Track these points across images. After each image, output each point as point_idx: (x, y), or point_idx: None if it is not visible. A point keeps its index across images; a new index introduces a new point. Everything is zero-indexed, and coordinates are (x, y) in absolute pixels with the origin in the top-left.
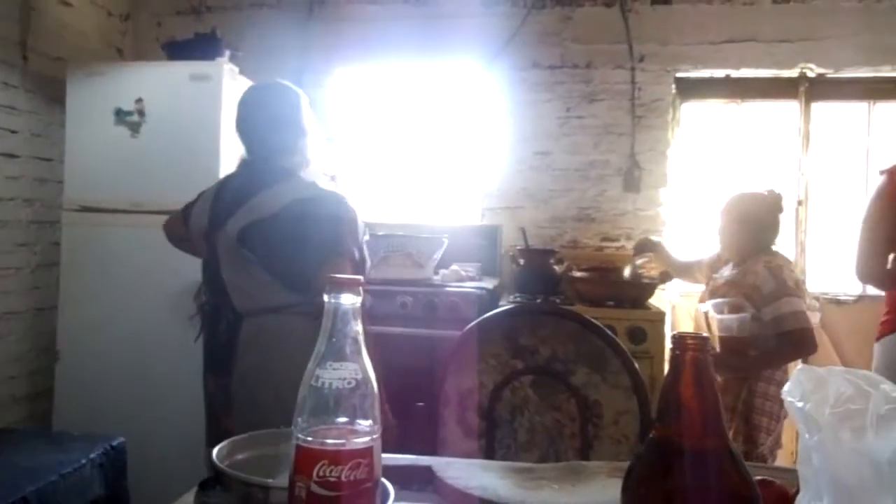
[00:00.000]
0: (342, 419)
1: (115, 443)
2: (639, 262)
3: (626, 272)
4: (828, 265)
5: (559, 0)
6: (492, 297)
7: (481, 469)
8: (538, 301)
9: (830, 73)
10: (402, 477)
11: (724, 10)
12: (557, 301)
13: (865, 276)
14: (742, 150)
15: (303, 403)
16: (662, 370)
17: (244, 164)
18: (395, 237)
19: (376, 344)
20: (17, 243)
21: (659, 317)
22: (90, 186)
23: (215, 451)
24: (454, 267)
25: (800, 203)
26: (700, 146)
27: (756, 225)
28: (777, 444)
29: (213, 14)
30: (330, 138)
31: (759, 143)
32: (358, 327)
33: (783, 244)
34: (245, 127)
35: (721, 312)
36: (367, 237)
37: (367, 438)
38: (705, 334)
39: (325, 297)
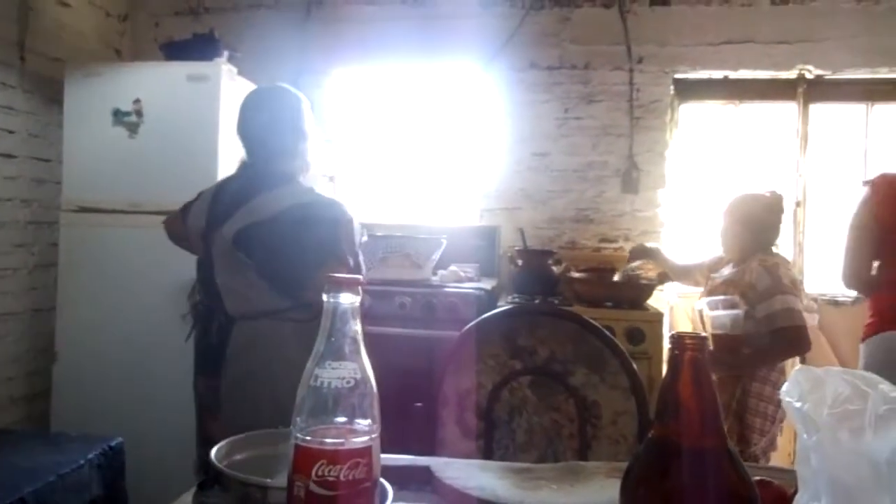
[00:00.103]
0: (341, 419)
1: (113, 443)
2: (633, 264)
3: (617, 277)
4: (826, 266)
5: (557, 1)
6: (490, 298)
7: (480, 469)
8: (536, 302)
9: (828, 75)
10: (400, 477)
11: (723, 12)
12: (556, 302)
13: (850, 282)
14: (740, 151)
15: (301, 403)
16: (661, 371)
17: (244, 167)
18: (394, 238)
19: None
20: (15, 244)
21: (657, 317)
22: (88, 187)
23: (214, 451)
24: (453, 268)
25: (798, 204)
26: (698, 147)
27: (757, 226)
28: (771, 446)
29: (212, 15)
30: (328, 139)
31: (757, 145)
32: (357, 327)
33: (781, 245)
34: (246, 130)
35: (715, 309)
36: (364, 237)
37: (365, 438)
38: (704, 334)
39: (324, 297)
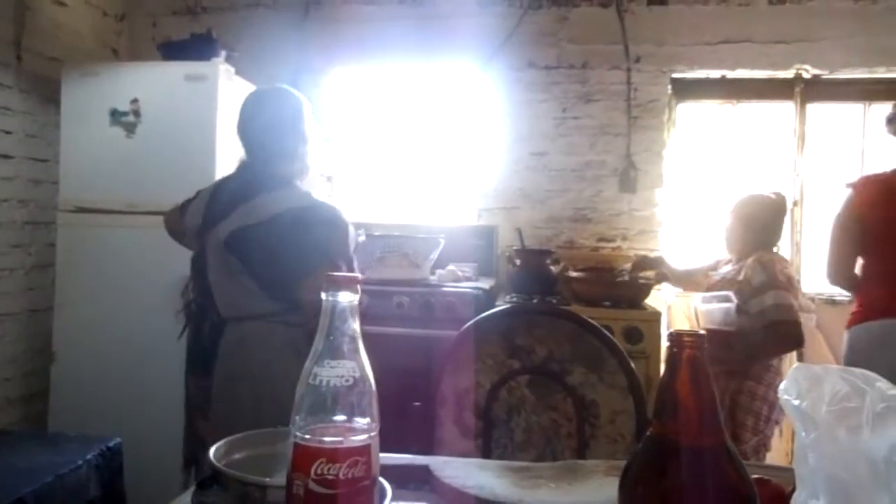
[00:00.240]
0: (340, 417)
1: (111, 444)
2: (636, 273)
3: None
4: (823, 266)
5: (555, 0)
6: (488, 298)
7: (478, 468)
8: (535, 301)
9: (826, 75)
10: (399, 476)
11: (720, 11)
12: (554, 301)
13: (834, 279)
14: (738, 150)
15: (300, 401)
16: (659, 370)
17: (243, 167)
18: (392, 237)
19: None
20: (12, 244)
21: (655, 317)
22: (85, 187)
23: (212, 450)
24: (451, 267)
25: (795, 204)
26: (696, 147)
27: (759, 226)
28: (764, 446)
29: (209, 14)
30: (326, 139)
31: (754, 144)
32: (355, 325)
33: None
34: (245, 131)
35: (707, 304)
36: (362, 238)
37: (364, 436)
38: (702, 332)
39: (323, 295)
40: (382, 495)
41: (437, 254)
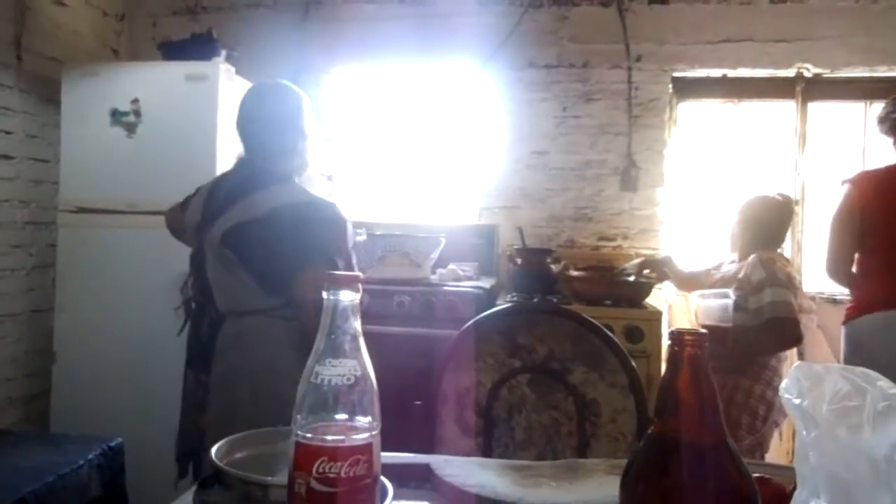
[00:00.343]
0: (341, 416)
1: (112, 444)
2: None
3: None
4: (823, 262)
5: None
6: (489, 297)
7: (479, 467)
8: (535, 300)
9: (827, 73)
10: (400, 475)
11: (721, 10)
12: (555, 300)
13: (833, 274)
14: (739, 149)
15: (302, 400)
16: (659, 369)
17: (241, 163)
18: (393, 237)
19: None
20: (13, 245)
21: (656, 316)
22: (86, 187)
23: (214, 449)
24: (451, 266)
25: (796, 203)
26: (697, 146)
27: (763, 227)
28: (761, 446)
29: (209, 14)
30: (327, 138)
31: (755, 143)
32: (357, 324)
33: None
34: (245, 126)
35: (705, 300)
36: (363, 237)
37: (366, 435)
38: (703, 330)
39: (324, 294)
40: (384, 494)
41: (437, 253)
